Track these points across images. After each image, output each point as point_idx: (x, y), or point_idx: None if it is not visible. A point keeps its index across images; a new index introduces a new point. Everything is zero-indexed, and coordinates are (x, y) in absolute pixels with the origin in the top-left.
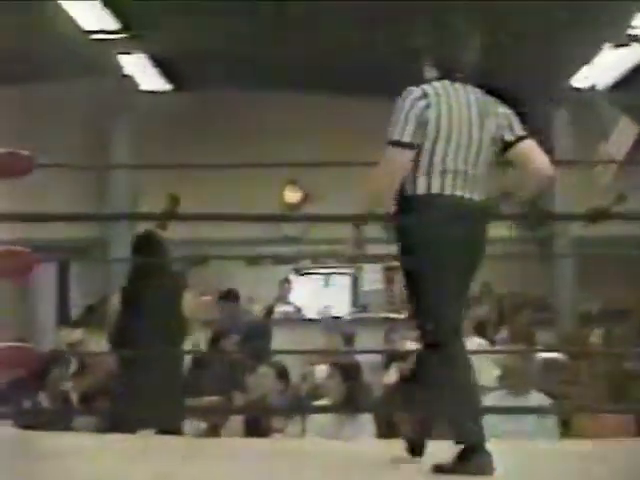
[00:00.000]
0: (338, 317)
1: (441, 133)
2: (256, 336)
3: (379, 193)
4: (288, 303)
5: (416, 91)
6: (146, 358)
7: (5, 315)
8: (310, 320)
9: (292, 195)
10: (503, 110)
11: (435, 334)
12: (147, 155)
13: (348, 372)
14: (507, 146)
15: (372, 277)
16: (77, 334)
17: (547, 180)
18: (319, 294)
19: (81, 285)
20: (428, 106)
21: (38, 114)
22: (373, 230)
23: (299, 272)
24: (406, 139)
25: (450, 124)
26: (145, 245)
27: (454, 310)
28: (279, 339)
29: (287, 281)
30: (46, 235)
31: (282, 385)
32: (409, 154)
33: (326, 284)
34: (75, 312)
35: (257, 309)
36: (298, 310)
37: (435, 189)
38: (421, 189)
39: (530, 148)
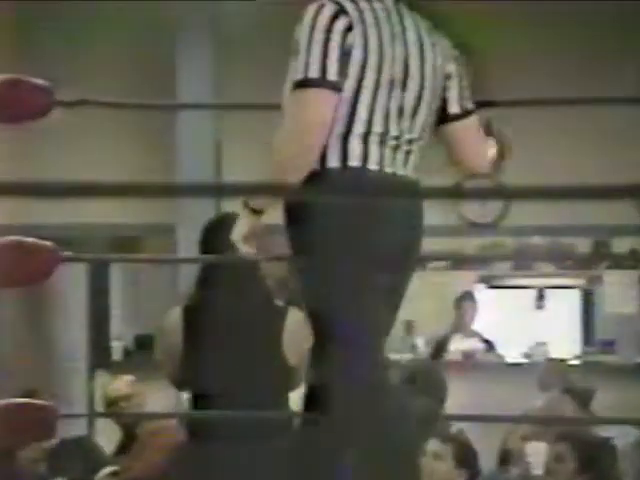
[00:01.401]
0: (562, 361)
1: (368, 74)
2: (420, 390)
3: (295, 165)
4: (472, 335)
5: (329, 5)
6: (230, 425)
7: (10, 349)
8: (512, 365)
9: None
10: (455, 55)
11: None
12: (232, 90)
13: (588, 454)
14: (445, 119)
15: (621, 293)
16: (123, 384)
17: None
18: (526, 321)
19: (129, 301)
20: (350, 28)
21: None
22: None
23: (490, 283)
24: (330, 77)
25: (381, 60)
26: (221, 237)
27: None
28: (458, 396)
29: (469, 298)
30: (74, 219)
31: (465, 474)
32: (334, 100)
33: (539, 304)
34: (119, 345)
35: (420, 343)
36: (489, 347)
37: (367, 162)
38: (337, 160)
39: (472, 135)
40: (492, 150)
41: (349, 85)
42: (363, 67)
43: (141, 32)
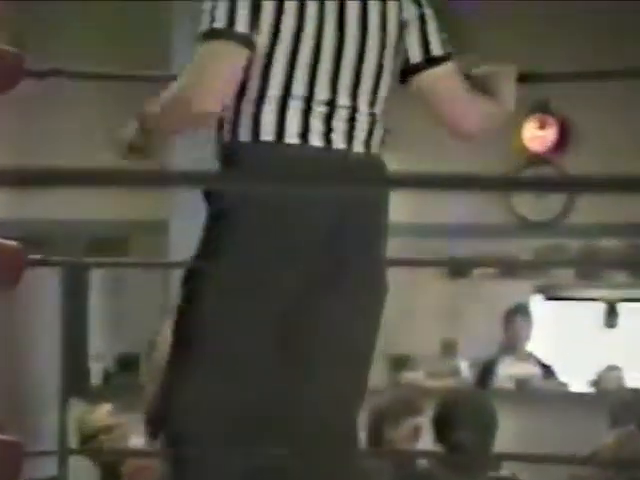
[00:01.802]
0: (636, 390)
1: (285, 26)
2: (462, 424)
3: (190, 117)
4: (527, 358)
5: None
6: None
7: None
8: (576, 395)
9: (538, 136)
10: None
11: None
12: None
13: None
14: (411, 71)
15: None
16: (102, 414)
17: (468, 138)
18: (594, 341)
19: (111, 313)
20: None
21: None
22: None
23: (548, 294)
24: (240, 28)
25: (302, 11)
26: None
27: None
28: (510, 431)
29: (523, 312)
30: (45, 215)
31: None
32: (242, 55)
33: (610, 321)
34: (99, 366)
35: (462, 367)
36: (548, 373)
37: (284, 134)
38: (248, 133)
39: (448, 84)
40: (492, 108)
41: (262, 41)
42: (278, 18)
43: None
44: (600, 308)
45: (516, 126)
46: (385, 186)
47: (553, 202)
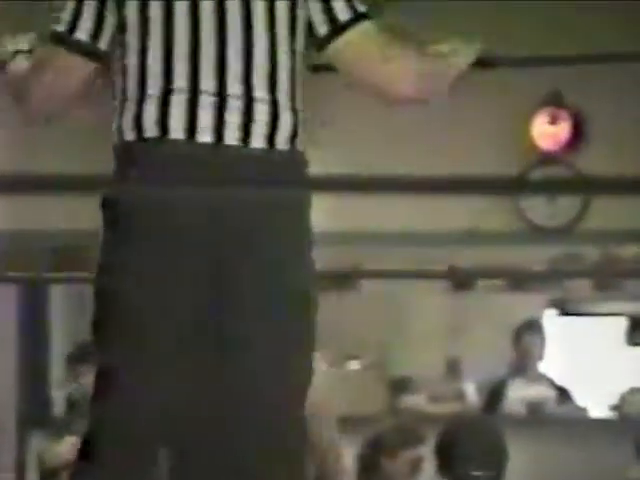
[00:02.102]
0: None
1: (155, 14)
2: (468, 453)
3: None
4: (539, 379)
5: None
6: None
7: None
8: (596, 421)
9: (549, 131)
10: None
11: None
12: None
13: None
14: (322, 45)
15: None
16: (66, 448)
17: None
18: (615, 361)
19: (74, 334)
20: None
21: None
22: None
23: (563, 309)
24: (80, 35)
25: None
26: None
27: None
28: (522, 461)
29: (535, 329)
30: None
31: None
32: (79, 63)
33: (633, 338)
34: (61, 394)
35: (469, 390)
36: (564, 396)
37: (167, 129)
38: (133, 132)
39: (362, 48)
40: (431, 65)
41: (132, 39)
42: (144, 11)
43: None
44: (622, 323)
45: (525, 121)
46: (301, 186)
47: (567, 206)
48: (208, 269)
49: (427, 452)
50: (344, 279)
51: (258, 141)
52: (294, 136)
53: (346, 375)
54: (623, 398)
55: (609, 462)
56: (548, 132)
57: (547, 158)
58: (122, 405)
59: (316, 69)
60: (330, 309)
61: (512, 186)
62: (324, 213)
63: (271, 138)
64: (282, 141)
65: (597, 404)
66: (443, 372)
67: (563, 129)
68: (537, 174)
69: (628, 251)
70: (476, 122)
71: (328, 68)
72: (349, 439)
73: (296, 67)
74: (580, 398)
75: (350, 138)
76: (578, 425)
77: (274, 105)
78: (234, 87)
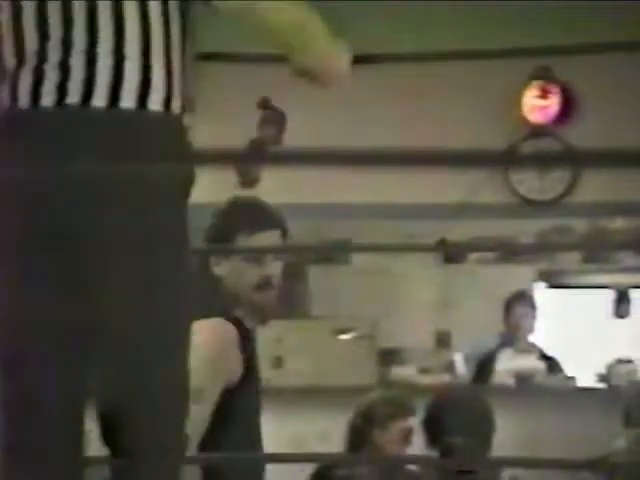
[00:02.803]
0: None
1: None
2: (457, 425)
3: None
4: (529, 350)
5: None
6: None
7: None
8: (584, 390)
9: (539, 105)
10: None
11: None
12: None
13: None
14: None
15: None
16: None
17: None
18: (603, 332)
19: None
20: None
21: None
22: None
23: (552, 281)
24: None
25: None
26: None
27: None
28: (511, 431)
29: (525, 300)
30: None
31: None
32: None
33: (620, 310)
34: None
35: (458, 361)
36: (552, 366)
37: (39, 96)
38: (9, 99)
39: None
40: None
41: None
42: None
43: None
44: (610, 295)
45: (515, 95)
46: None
47: (556, 179)
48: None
49: (417, 423)
50: (335, 252)
51: (135, 99)
52: (168, 99)
53: (337, 347)
54: (610, 368)
55: (596, 431)
56: (538, 106)
57: (537, 132)
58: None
59: None
60: (321, 282)
61: (502, 159)
62: (315, 187)
63: (142, 99)
64: (154, 103)
65: (585, 374)
66: (433, 344)
67: (553, 103)
68: (527, 147)
69: (616, 224)
70: (467, 96)
71: None
72: (340, 410)
73: (171, 26)
74: (569, 368)
75: (340, 111)
76: (566, 395)
77: (145, 65)
78: (106, 45)
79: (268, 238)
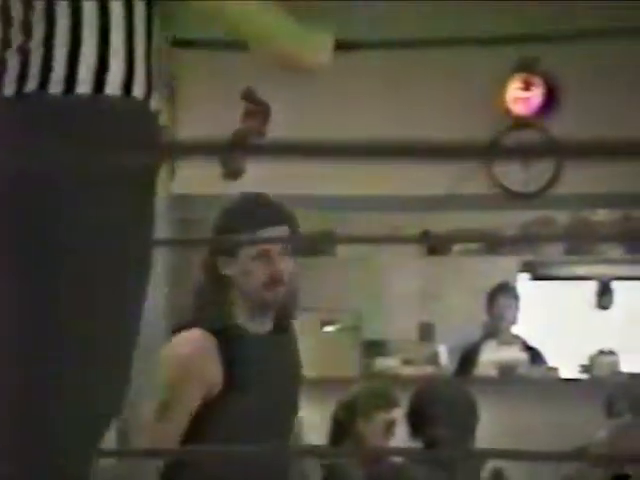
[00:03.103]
0: (634, 375)
1: None
2: (439, 417)
3: None
4: (512, 342)
5: None
6: None
7: None
8: (566, 381)
9: (522, 97)
10: None
11: None
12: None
13: None
14: None
15: None
16: None
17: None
18: (586, 323)
19: None
20: None
21: None
22: None
23: (535, 273)
24: None
25: None
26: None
27: None
28: (494, 423)
29: (508, 292)
30: None
31: None
32: None
33: (603, 301)
34: None
35: (442, 353)
36: (536, 358)
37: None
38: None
39: None
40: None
41: None
42: None
43: None
44: (592, 287)
45: (499, 87)
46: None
47: (540, 171)
48: None
49: (400, 414)
50: (320, 244)
51: (84, 87)
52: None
53: (322, 339)
54: (592, 360)
55: (578, 422)
56: (521, 98)
57: (520, 123)
58: None
59: None
60: (306, 274)
61: (486, 151)
62: (299, 178)
63: (99, 84)
64: (111, 87)
65: (568, 365)
66: (417, 336)
67: (536, 95)
68: (510, 139)
69: (599, 215)
70: (450, 87)
71: None
72: (324, 402)
73: (135, 10)
74: (552, 360)
75: (324, 102)
76: (549, 386)
77: (102, 50)
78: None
79: (275, 234)
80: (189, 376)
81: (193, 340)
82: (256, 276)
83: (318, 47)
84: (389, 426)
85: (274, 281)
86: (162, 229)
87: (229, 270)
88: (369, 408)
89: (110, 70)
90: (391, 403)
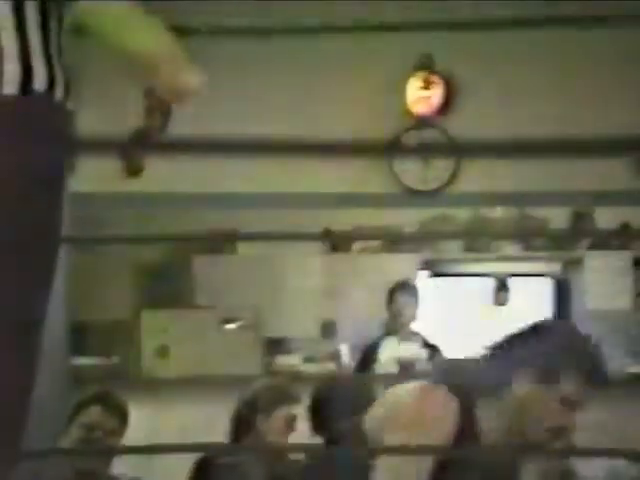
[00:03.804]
0: None
1: None
2: (342, 412)
3: None
4: (412, 338)
5: None
6: None
7: None
8: None
9: (422, 96)
10: None
11: None
12: None
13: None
14: None
15: (608, 281)
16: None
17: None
18: (483, 319)
19: None
20: None
21: None
22: None
23: (434, 270)
24: None
25: None
26: None
27: None
28: None
29: (408, 289)
30: None
31: None
32: None
33: (500, 297)
34: None
35: (343, 350)
36: (435, 354)
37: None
38: None
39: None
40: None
41: None
42: None
43: None
44: (489, 284)
45: (399, 86)
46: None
47: (439, 169)
48: None
49: (301, 411)
50: (220, 242)
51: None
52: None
53: (222, 336)
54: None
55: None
56: (421, 97)
57: (420, 122)
58: None
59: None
60: (207, 272)
61: (386, 149)
62: (201, 176)
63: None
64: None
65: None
66: (318, 333)
67: (435, 94)
68: (411, 138)
69: (496, 213)
70: (352, 87)
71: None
72: (225, 400)
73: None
74: (450, 354)
75: (228, 97)
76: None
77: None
78: None
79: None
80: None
81: (439, 397)
82: (543, 404)
83: (192, 70)
84: (289, 422)
85: (566, 407)
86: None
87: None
88: (269, 403)
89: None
90: (290, 399)
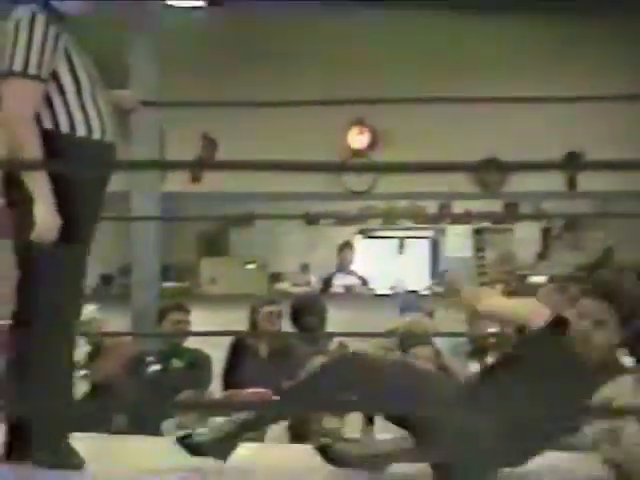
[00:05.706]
0: (414, 292)
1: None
2: (309, 311)
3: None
4: (350, 273)
5: (41, 15)
6: None
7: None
8: (380, 296)
9: (357, 139)
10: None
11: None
12: (175, 88)
13: None
14: None
15: (457, 241)
16: (88, 311)
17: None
18: (390, 263)
19: (95, 249)
20: (58, 35)
21: None
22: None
23: (365, 235)
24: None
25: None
26: None
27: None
28: (341, 318)
29: (349, 246)
30: None
31: None
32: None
33: (400, 250)
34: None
35: (313, 280)
36: (363, 282)
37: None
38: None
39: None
40: None
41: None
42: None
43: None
44: (395, 243)
45: (344, 132)
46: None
47: (367, 178)
48: None
49: (283, 311)
50: (243, 220)
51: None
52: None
53: (245, 272)
54: (395, 284)
55: (384, 318)
56: (357, 139)
57: (357, 153)
58: None
59: None
60: (237, 238)
61: (339, 168)
62: (233, 183)
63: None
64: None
65: (382, 287)
66: (299, 270)
67: (365, 137)
68: (351, 162)
69: (402, 203)
70: (319, 133)
71: None
72: (245, 307)
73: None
74: (373, 284)
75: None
76: (371, 298)
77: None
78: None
79: None
80: None
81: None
82: None
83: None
84: (274, 316)
85: None
86: None
87: None
88: (260, 304)
89: (81, 121)
90: (272, 302)
